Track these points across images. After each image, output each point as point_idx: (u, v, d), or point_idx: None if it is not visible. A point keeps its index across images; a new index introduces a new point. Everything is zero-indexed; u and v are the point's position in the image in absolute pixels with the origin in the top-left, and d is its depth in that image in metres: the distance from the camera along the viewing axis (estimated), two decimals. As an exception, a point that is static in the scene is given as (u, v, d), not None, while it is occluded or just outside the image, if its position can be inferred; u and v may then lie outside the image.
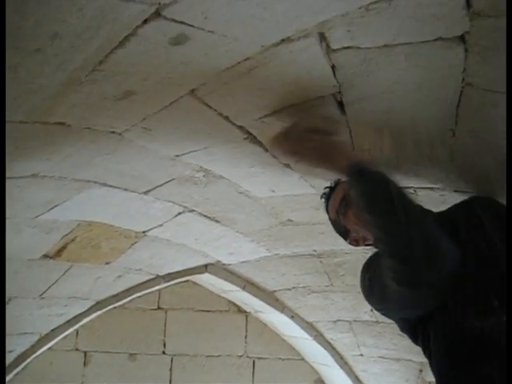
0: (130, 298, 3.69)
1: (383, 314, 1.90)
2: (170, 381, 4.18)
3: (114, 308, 3.84)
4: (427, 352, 1.69)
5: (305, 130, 1.67)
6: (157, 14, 1.10)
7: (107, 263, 2.99)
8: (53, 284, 2.96)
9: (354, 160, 1.62)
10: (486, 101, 1.53)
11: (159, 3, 1.05)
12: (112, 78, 1.33)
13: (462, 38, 1.30)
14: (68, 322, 3.47)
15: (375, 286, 1.73)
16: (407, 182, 2.06)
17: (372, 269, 1.76)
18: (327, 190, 1.93)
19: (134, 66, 1.30)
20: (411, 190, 2.14)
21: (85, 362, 4.08)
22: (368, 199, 1.56)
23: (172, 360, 4.21)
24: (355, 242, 1.88)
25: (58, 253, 2.65)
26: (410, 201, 1.55)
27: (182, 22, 1.13)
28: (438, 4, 1.15)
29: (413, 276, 1.50)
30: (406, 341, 1.87)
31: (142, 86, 1.42)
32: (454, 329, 1.55)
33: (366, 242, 1.84)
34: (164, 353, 4.20)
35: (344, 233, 1.89)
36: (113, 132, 1.73)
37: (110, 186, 2.17)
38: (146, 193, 2.30)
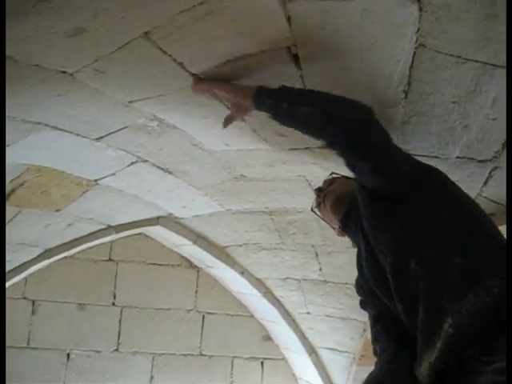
0: (80, 248, 3.65)
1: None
2: (119, 332, 4.20)
3: (65, 258, 3.82)
4: None
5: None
6: None
7: (57, 210, 2.94)
8: (0, 229, 2.91)
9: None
10: (437, 63, 1.55)
11: None
12: (60, 12, 1.29)
13: (416, -4, 1.31)
14: (15, 269, 3.42)
15: None
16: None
17: None
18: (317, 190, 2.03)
19: (83, 0, 1.26)
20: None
21: (33, 311, 4.04)
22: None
23: (121, 311, 4.21)
24: (340, 234, 1.94)
25: (6, 197, 2.59)
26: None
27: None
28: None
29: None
30: (352, 301, 1.92)
31: (93, 24, 1.38)
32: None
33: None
34: (114, 304, 4.20)
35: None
36: (64, 72, 1.67)
37: (61, 129, 2.12)
38: (98, 139, 2.26)
